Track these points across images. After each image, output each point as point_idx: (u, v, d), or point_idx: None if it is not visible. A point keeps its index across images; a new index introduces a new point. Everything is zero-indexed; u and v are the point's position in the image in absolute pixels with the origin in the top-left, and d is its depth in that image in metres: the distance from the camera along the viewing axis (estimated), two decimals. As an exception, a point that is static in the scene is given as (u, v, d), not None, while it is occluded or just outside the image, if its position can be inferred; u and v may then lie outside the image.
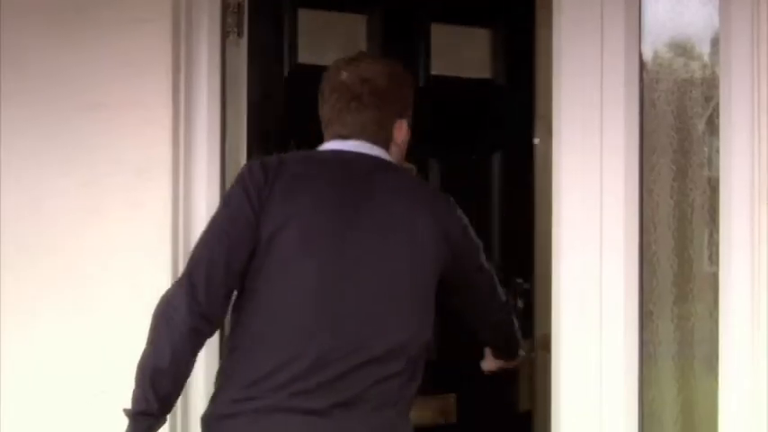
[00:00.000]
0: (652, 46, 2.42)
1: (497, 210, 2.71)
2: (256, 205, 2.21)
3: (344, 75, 2.34)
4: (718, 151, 2.29)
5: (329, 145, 2.35)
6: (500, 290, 2.50)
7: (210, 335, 2.22)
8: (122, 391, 2.21)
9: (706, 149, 2.38)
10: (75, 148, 2.91)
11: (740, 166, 2.22)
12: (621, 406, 2.35)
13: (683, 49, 2.45)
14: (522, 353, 2.69)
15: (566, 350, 2.39)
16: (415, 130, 2.55)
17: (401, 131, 2.38)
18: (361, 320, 2.18)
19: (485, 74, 2.90)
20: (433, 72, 2.89)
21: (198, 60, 2.81)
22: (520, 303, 2.78)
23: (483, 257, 2.42)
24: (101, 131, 2.88)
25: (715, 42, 2.33)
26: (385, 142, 2.35)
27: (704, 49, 2.40)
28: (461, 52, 2.98)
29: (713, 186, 2.33)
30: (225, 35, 2.84)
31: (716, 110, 2.31)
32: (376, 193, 2.27)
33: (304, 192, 2.25)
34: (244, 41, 2.88)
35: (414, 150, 2.60)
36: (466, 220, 2.36)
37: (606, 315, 2.36)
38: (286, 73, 2.94)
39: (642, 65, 2.39)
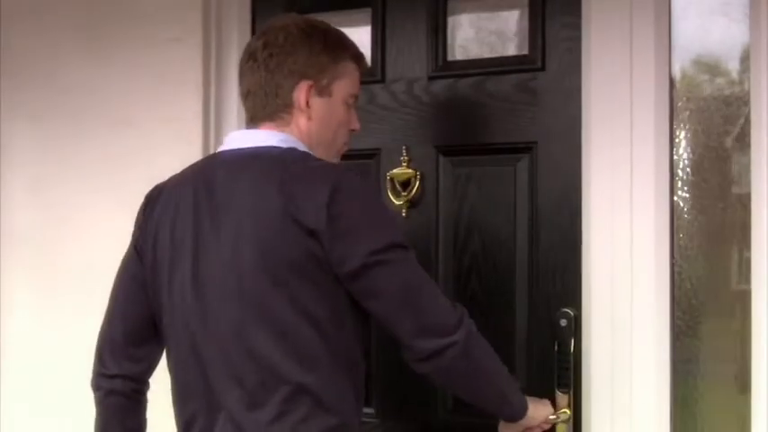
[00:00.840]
0: (681, 63, 2.42)
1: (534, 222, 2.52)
2: (140, 252, 2.09)
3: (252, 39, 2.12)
4: (747, 168, 2.28)
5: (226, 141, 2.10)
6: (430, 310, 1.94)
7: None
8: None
9: (736, 166, 2.37)
10: (107, 165, 2.96)
11: (772, 183, 2.22)
12: (653, 426, 2.34)
13: (712, 66, 2.44)
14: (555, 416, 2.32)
15: (595, 371, 2.38)
16: (425, 126, 2.58)
17: (303, 95, 2.01)
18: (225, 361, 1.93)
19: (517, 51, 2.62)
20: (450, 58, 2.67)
21: (228, 78, 2.85)
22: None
23: (381, 256, 1.88)
24: (132, 148, 2.93)
25: (744, 59, 2.33)
26: (282, 108, 2.03)
27: (733, 66, 2.40)
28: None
29: (743, 203, 2.31)
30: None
31: (745, 127, 2.30)
32: (221, 211, 1.95)
33: (164, 226, 2.04)
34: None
35: (424, 154, 2.61)
36: (345, 202, 1.87)
37: (637, 334, 2.35)
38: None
39: (672, 83, 2.39)
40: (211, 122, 2.85)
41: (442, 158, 2.61)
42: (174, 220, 2.01)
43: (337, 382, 1.92)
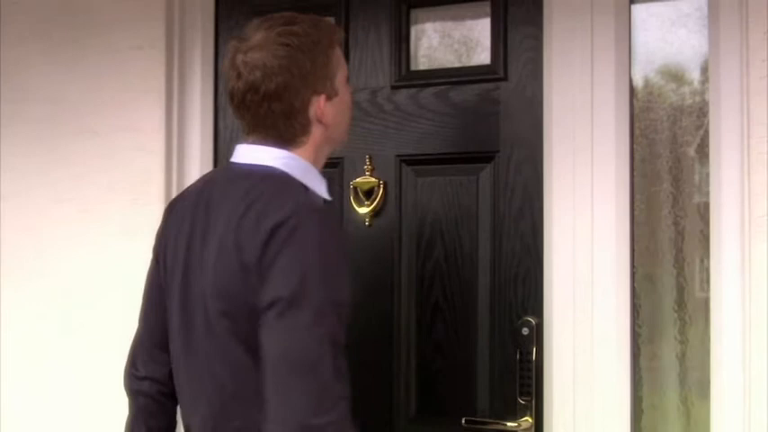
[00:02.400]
0: (642, 74, 2.44)
1: (496, 232, 2.53)
2: (158, 260, 2.10)
3: (239, 58, 1.98)
4: (708, 178, 2.30)
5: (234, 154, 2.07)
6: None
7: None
8: (112, 407, 2.27)
9: (696, 176, 2.39)
10: (69, 173, 2.95)
11: (730, 192, 2.24)
12: (614, 432, 2.35)
13: (673, 76, 2.46)
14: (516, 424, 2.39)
15: (557, 378, 2.40)
16: (388, 136, 2.57)
17: (319, 109, 1.98)
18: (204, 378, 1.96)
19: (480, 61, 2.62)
20: (413, 68, 2.68)
21: (191, 86, 2.84)
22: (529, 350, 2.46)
23: (294, 307, 1.78)
24: (96, 157, 2.92)
25: (705, 70, 2.35)
26: (298, 129, 1.99)
27: (694, 77, 2.42)
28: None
29: (703, 213, 2.34)
30: (218, 62, 2.85)
31: (706, 137, 2.32)
32: (210, 228, 1.96)
33: (171, 235, 2.05)
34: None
35: (387, 163, 2.62)
36: (286, 235, 1.80)
37: (598, 343, 2.36)
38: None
39: (632, 93, 2.41)
40: (174, 131, 2.84)
41: (405, 167, 2.61)
42: (179, 233, 2.03)
43: None
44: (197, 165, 2.81)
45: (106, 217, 2.88)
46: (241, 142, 2.03)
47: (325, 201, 2.02)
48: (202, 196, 2.02)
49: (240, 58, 1.97)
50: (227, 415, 1.91)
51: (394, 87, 2.64)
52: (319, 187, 2.01)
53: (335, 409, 1.76)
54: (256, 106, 1.97)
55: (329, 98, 2.01)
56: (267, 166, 1.96)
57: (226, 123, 2.84)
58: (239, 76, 1.97)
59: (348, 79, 2.11)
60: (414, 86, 2.62)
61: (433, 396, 2.56)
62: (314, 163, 2.03)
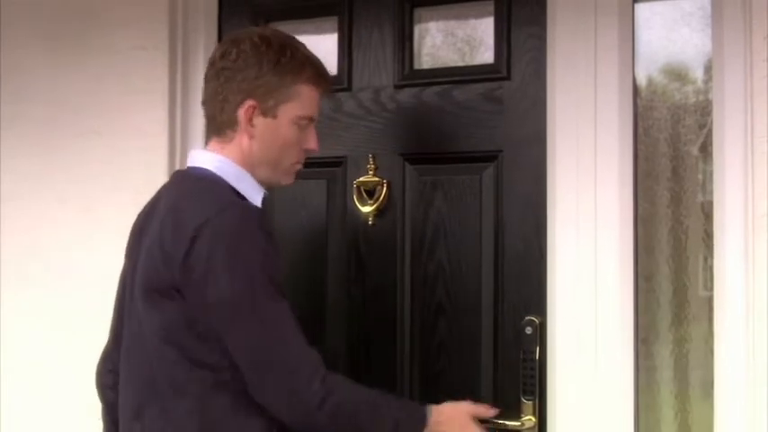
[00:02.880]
0: (646, 73, 2.44)
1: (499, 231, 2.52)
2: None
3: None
4: (711, 177, 2.30)
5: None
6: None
7: None
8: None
9: (700, 175, 2.39)
10: (74, 174, 2.95)
11: (733, 191, 2.24)
12: (617, 432, 2.35)
13: (676, 75, 2.46)
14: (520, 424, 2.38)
15: (560, 378, 2.40)
16: (391, 135, 2.57)
17: (245, 115, 2.04)
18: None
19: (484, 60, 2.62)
20: (417, 67, 2.68)
21: (194, 87, 2.83)
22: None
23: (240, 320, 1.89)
24: (98, 158, 2.92)
25: (708, 69, 2.35)
26: (228, 124, 2.06)
27: (698, 76, 2.42)
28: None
29: (707, 212, 2.34)
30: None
31: (709, 136, 2.32)
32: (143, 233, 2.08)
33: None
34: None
35: (391, 162, 2.62)
36: (209, 250, 1.88)
37: (601, 342, 2.36)
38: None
39: (636, 92, 2.41)
40: (177, 131, 2.84)
41: (408, 166, 2.62)
42: (133, 237, 2.16)
43: None
44: (200, 165, 2.82)
45: (108, 218, 2.88)
46: None
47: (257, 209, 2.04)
48: (153, 202, 2.13)
49: (215, 50, 2.14)
50: (145, 405, 2.00)
51: (397, 86, 2.64)
52: (253, 195, 2.05)
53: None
54: (207, 81, 2.10)
55: (263, 113, 2.05)
56: (202, 168, 2.05)
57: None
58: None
59: (309, 122, 2.12)
60: (417, 85, 2.62)
61: (435, 395, 2.53)
62: (250, 172, 2.07)
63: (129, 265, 2.11)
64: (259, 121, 2.05)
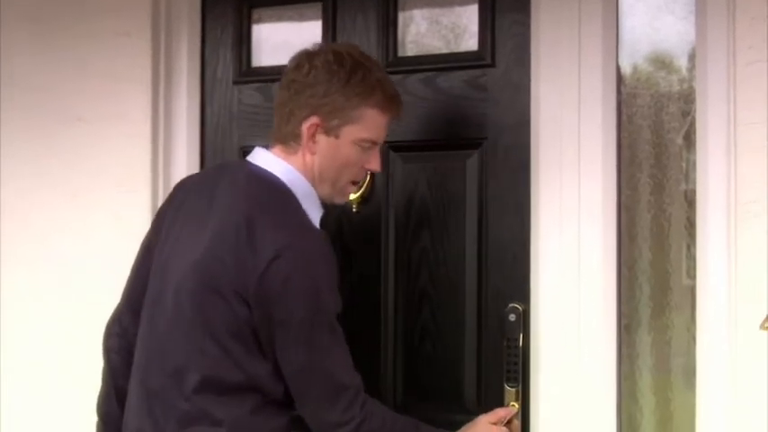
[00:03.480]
0: (630, 60, 2.44)
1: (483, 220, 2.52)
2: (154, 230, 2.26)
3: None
4: (695, 165, 2.30)
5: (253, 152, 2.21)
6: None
7: None
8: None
9: (683, 164, 2.39)
10: (61, 162, 2.94)
11: (716, 179, 2.24)
12: (600, 420, 2.36)
13: (660, 63, 2.46)
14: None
15: (543, 365, 2.40)
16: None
17: (307, 131, 2.08)
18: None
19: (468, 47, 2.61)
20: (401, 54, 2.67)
21: (177, 74, 2.84)
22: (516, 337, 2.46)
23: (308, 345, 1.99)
24: (84, 145, 2.92)
25: (692, 56, 2.35)
26: (292, 137, 2.10)
27: (682, 64, 2.41)
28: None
29: (690, 200, 2.34)
30: (204, 50, 2.85)
31: (693, 124, 2.32)
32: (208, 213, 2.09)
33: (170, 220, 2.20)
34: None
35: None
36: (287, 273, 1.94)
37: (584, 329, 2.37)
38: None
39: (620, 79, 2.41)
40: (161, 118, 2.83)
41: (392, 154, 2.61)
42: (179, 210, 2.16)
43: None
44: (183, 152, 2.81)
45: (94, 203, 2.88)
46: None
47: None
48: (209, 183, 2.15)
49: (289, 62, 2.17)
50: (164, 392, 2.03)
51: (381, 74, 2.63)
52: (313, 214, 2.10)
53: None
54: (279, 89, 2.16)
55: (326, 131, 2.08)
56: (274, 176, 2.08)
57: (212, 110, 2.84)
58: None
59: (372, 145, 2.15)
60: (401, 72, 2.61)
61: (419, 382, 2.56)
62: (313, 186, 2.11)
63: (168, 241, 2.13)
64: (321, 138, 2.09)
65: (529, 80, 2.46)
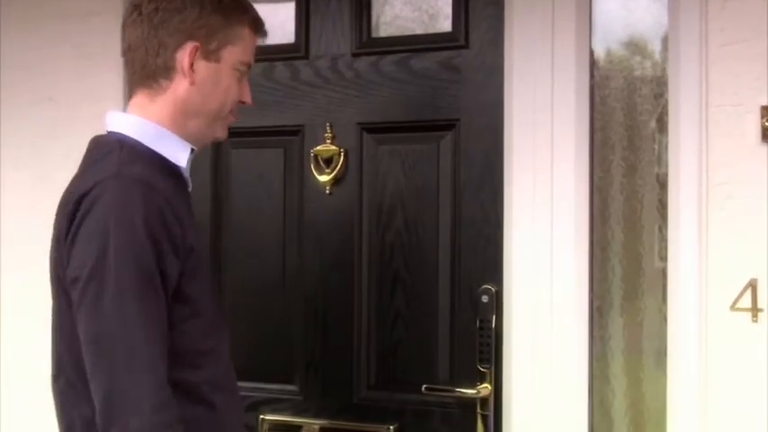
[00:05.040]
0: (604, 44, 2.44)
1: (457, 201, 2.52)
2: None
3: None
4: (667, 148, 2.31)
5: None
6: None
7: None
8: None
9: (656, 146, 2.40)
10: (28, 142, 2.91)
11: (688, 162, 2.25)
12: (572, 400, 2.37)
13: (634, 46, 2.46)
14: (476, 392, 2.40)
15: (516, 346, 2.41)
16: (349, 103, 2.56)
17: (187, 57, 1.84)
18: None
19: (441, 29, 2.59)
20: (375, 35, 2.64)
21: (149, 53, 2.80)
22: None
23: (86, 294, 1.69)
24: (54, 123, 2.89)
25: (665, 40, 2.35)
26: (162, 72, 1.87)
27: (655, 47, 2.42)
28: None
29: (662, 183, 2.35)
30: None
31: (666, 107, 2.33)
32: None
33: None
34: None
35: (348, 131, 2.60)
36: (79, 221, 1.72)
37: (557, 310, 2.38)
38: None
39: (593, 63, 2.41)
40: (132, 97, 2.81)
41: (365, 135, 2.60)
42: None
43: None
44: (155, 132, 2.79)
45: (64, 185, 2.83)
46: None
47: (177, 167, 1.88)
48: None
49: None
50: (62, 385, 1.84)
51: (355, 55, 2.62)
52: (177, 153, 1.87)
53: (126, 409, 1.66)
54: (132, 26, 1.90)
55: (206, 56, 1.87)
56: (119, 135, 1.87)
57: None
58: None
59: (247, 70, 1.96)
60: (375, 54, 2.60)
61: (393, 364, 2.56)
62: (174, 129, 1.88)
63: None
64: (200, 65, 1.87)
65: (502, 62, 2.46)
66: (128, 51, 1.93)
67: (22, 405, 2.92)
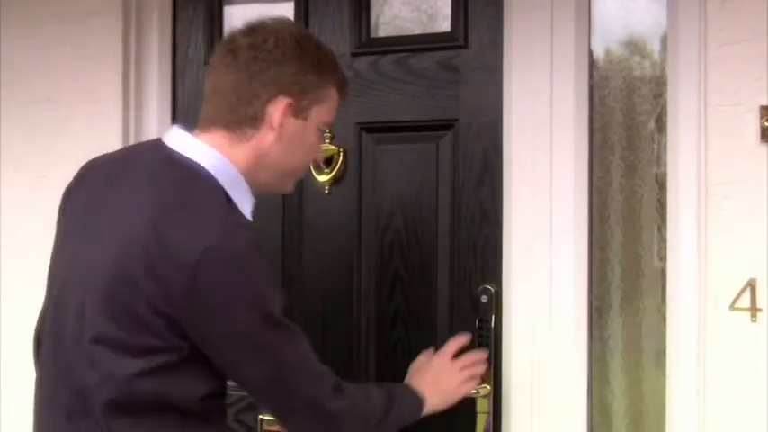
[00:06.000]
0: (603, 43, 2.44)
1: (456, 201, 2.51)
2: None
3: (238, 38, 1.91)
4: (666, 148, 2.31)
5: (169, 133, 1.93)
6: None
7: None
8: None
9: (655, 146, 2.40)
10: (28, 142, 2.91)
11: (687, 162, 2.25)
12: (571, 400, 2.37)
13: (633, 46, 2.46)
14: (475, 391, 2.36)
15: (515, 346, 2.41)
16: (348, 103, 2.54)
17: (279, 112, 1.85)
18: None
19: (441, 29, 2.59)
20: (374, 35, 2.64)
21: (148, 54, 2.82)
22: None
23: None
24: (52, 124, 2.89)
25: (665, 40, 2.36)
26: (249, 121, 1.86)
27: (654, 47, 2.42)
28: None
29: (661, 183, 2.35)
30: (175, 29, 2.82)
31: (665, 107, 2.33)
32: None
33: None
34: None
35: (347, 131, 2.59)
36: (218, 279, 1.69)
37: (556, 310, 2.38)
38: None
39: (592, 62, 2.42)
40: (131, 99, 2.81)
41: (365, 135, 2.60)
42: (84, 199, 1.94)
43: None
44: (155, 131, 2.78)
45: (63, 184, 2.84)
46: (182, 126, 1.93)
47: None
48: (117, 171, 1.90)
49: (239, 37, 1.90)
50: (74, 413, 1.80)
51: (354, 54, 2.62)
52: (243, 204, 1.85)
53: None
54: (225, 70, 1.88)
55: (294, 113, 1.88)
56: (194, 162, 1.81)
57: (183, 91, 2.81)
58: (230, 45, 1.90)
59: (322, 131, 2.00)
60: (374, 54, 2.60)
61: (392, 364, 2.56)
62: (247, 176, 1.87)
63: (69, 239, 1.92)
64: (289, 121, 1.88)
65: (501, 62, 2.46)
66: (214, 93, 1.90)
67: (21, 405, 2.91)
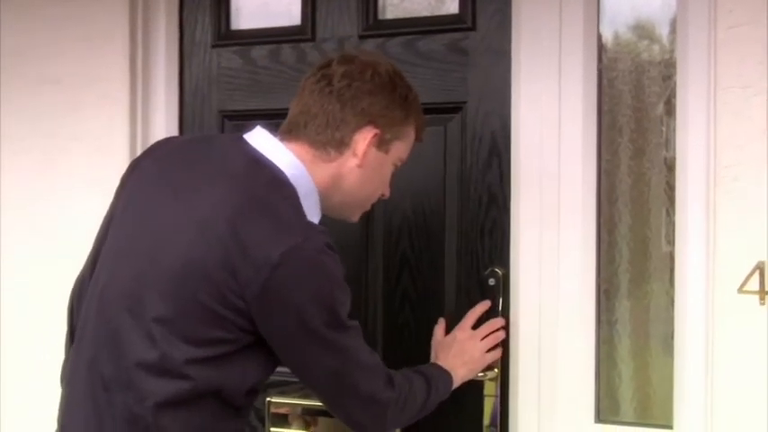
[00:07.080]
0: (612, 26, 2.43)
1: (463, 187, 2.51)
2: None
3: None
4: (675, 131, 2.30)
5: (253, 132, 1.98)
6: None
7: None
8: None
9: (664, 129, 2.39)
10: (34, 125, 2.90)
11: (696, 146, 2.24)
12: (578, 384, 2.37)
13: (642, 30, 2.45)
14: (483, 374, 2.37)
15: (523, 329, 2.41)
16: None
17: (365, 141, 1.95)
18: None
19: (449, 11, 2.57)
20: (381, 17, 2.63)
21: (155, 36, 2.81)
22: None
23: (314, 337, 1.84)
24: (59, 107, 2.88)
25: (673, 24, 2.34)
26: (335, 145, 1.95)
27: (663, 31, 2.41)
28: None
29: (670, 166, 2.34)
30: (182, 9, 2.82)
31: (674, 91, 2.32)
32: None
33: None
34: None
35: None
36: (297, 280, 1.77)
37: (564, 294, 2.37)
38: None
39: (601, 47, 2.40)
40: (138, 81, 2.80)
41: (373, 118, 2.59)
42: (147, 182, 1.95)
43: None
44: (162, 114, 2.79)
45: (70, 167, 2.85)
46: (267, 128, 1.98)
47: None
48: (196, 156, 1.95)
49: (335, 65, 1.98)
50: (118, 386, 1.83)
51: (361, 37, 2.61)
52: (312, 215, 1.90)
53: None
54: (318, 94, 1.95)
55: (378, 145, 1.98)
56: (275, 166, 1.88)
57: (191, 74, 2.81)
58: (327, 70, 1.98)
59: (396, 167, 2.09)
60: (381, 36, 2.59)
61: (399, 347, 2.56)
62: (320, 194, 1.95)
63: (131, 213, 1.93)
64: (372, 151, 1.97)
65: (510, 45, 2.45)
66: (303, 113, 1.97)
67: (21, 405, 2.92)
